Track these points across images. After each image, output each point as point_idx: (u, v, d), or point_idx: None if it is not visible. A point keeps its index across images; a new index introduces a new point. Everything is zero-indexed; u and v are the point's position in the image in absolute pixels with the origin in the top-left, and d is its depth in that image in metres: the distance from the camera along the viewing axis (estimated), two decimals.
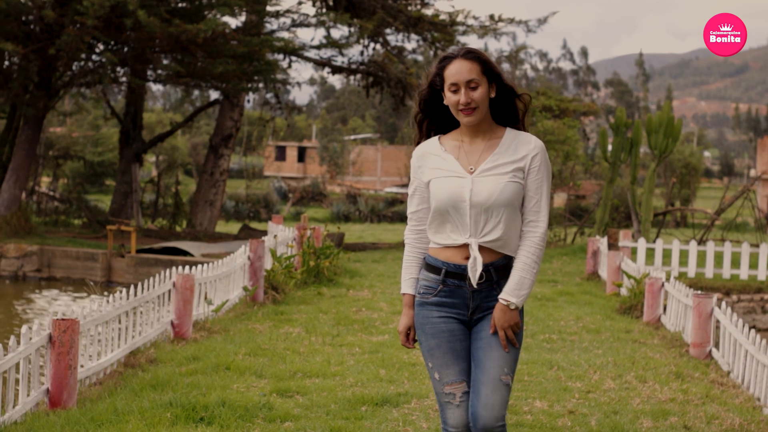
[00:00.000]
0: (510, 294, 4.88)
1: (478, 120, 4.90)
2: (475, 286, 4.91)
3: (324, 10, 29.35)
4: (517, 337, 4.96)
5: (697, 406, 8.31)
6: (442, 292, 4.96)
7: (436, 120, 5.10)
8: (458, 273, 4.92)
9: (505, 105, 5.02)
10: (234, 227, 38.41)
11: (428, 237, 5.05)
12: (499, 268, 4.94)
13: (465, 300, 4.95)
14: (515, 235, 4.94)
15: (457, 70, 4.87)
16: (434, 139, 5.06)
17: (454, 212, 4.89)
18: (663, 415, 7.92)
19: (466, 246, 4.91)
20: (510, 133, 4.99)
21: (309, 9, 35.57)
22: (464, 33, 30.41)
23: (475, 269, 4.88)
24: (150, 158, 61.75)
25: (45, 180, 42.45)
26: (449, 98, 4.91)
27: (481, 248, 4.92)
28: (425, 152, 5.03)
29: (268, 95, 32.40)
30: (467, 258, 4.90)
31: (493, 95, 4.94)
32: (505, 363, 4.93)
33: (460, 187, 4.88)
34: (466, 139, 4.99)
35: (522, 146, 4.93)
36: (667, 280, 13.18)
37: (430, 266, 4.99)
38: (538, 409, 8.02)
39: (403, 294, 5.08)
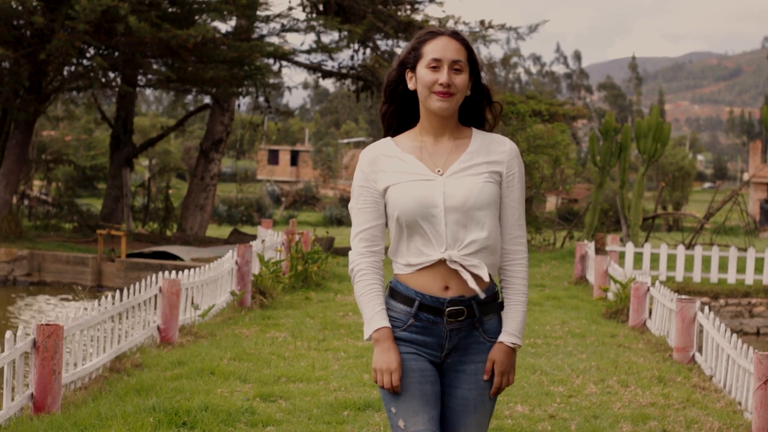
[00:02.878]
0: (516, 334, 4.16)
1: (452, 110, 4.12)
2: (481, 296, 4.11)
3: (314, 15, 29.43)
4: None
5: (678, 411, 8.37)
6: (412, 327, 4.10)
7: (402, 113, 4.28)
8: (435, 307, 4.07)
9: (474, 109, 4.27)
10: (226, 231, 38.46)
11: (386, 259, 4.20)
12: (483, 302, 4.14)
13: (440, 339, 4.11)
14: (498, 248, 4.17)
15: (444, 46, 4.10)
16: (386, 140, 4.22)
17: (425, 222, 4.04)
18: (643, 420, 7.99)
19: (442, 265, 4.07)
20: (479, 134, 4.23)
21: (299, 14, 35.92)
22: None
23: (473, 286, 4.07)
24: (143, 162, 61.81)
25: (38, 184, 42.49)
26: (424, 77, 4.09)
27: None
28: (377, 155, 4.17)
29: (260, 99, 32.49)
30: (446, 288, 4.07)
31: (469, 92, 4.20)
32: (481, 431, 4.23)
33: (430, 190, 4.06)
34: (427, 138, 4.17)
35: (496, 147, 4.19)
36: (653, 284, 13.26)
37: (399, 295, 4.11)
38: (519, 413, 8.08)
39: (378, 330, 4.07)
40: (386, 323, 4.07)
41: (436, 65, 4.08)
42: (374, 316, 4.08)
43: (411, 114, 4.26)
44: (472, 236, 4.07)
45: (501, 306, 4.22)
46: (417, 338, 4.11)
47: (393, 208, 4.10)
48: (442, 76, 4.07)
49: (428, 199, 4.06)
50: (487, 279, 4.12)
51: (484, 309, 4.14)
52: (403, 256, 4.13)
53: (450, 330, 4.11)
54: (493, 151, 4.19)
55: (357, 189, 4.18)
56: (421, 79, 4.11)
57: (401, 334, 4.10)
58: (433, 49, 4.11)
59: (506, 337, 4.16)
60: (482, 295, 4.11)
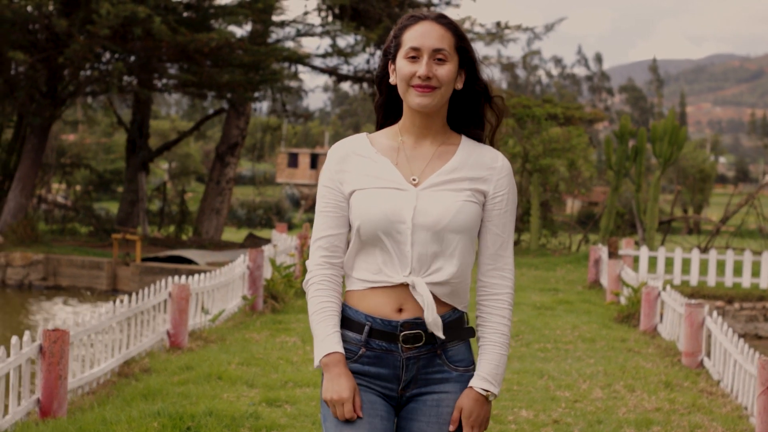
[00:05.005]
0: (489, 379, 3.50)
1: (434, 106, 3.51)
2: (439, 334, 3.47)
3: (330, 20, 29.51)
4: None
5: (682, 416, 8.38)
6: (364, 357, 3.50)
7: (389, 107, 3.72)
8: (387, 332, 3.47)
9: (468, 107, 3.67)
10: (244, 234, 38.60)
11: (345, 273, 3.62)
12: (447, 326, 3.50)
13: (395, 370, 3.49)
14: (468, 279, 3.56)
15: (424, 33, 3.50)
16: (361, 136, 3.66)
17: (388, 239, 3.46)
18: (646, 425, 7.99)
19: (402, 288, 3.47)
20: (468, 142, 3.62)
21: (315, 19, 35.90)
22: (471, 40, 30.46)
23: (434, 319, 3.44)
24: (162, 165, 62.02)
25: (60, 188, 42.68)
26: (402, 68, 3.51)
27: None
28: (348, 152, 3.59)
29: (276, 103, 32.59)
30: (400, 310, 3.47)
31: (459, 86, 3.58)
32: None
33: (399, 202, 3.47)
34: (407, 139, 3.60)
35: (485, 162, 3.58)
36: (665, 288, 13.25)
37: (348, 320, 3.53)
38: (523, 418, 8.10)
39: (328, 354, 3.45)
40: (338, 347, 3.45)
41: (415, 55, 3.49)
42: (325, 339, 3.46)
43: (399, 108, 3.71)
44: (439, 263, 3.47)
45: (471, 332, 3.59)
46: (369, 370, 3.49)
47: (355, 216, 3.51)
48: (421, 67, 3.47)
49: (395, 212, 3.46)
50: (450, 303, 3.53)
51: (447, 333, 3.49)
52: (359, 270, 3.53)
53: (406, 358, 3.49)
54: (480, 166, 3.57)
55: (321, 189, 3.61)
56: (399, 71, 3.53)
57: (352, 366, 3.48)
58: (411, 37, 3.51)
59: (477, 382, 3.49)
60: (439, 319, 3.46)
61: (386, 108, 3.71)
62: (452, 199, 3.48)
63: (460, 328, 3.54)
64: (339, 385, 3.41)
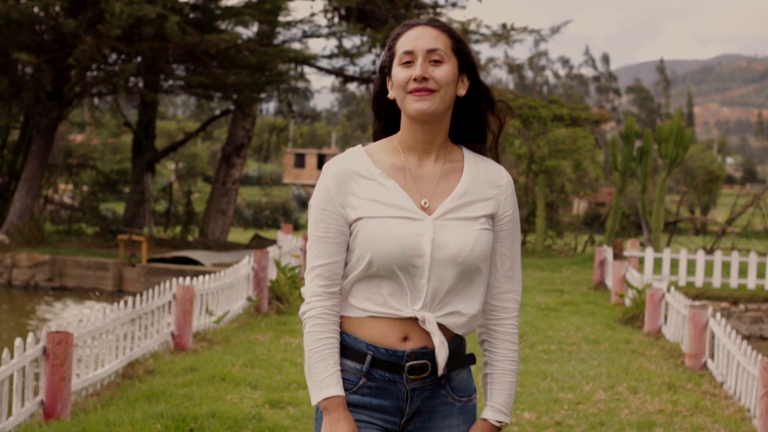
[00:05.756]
0: (503, 410, 3.33)
1: (434, 112, 3.22)
2: (440, 371, 3.23)
3: (336, 21, 29.55)
4: None
5: (685, 418, 8.38)
6: (364, 388, 3.24)
7: (391, 130, 3.44)
8: (392, 362, 3.22)
9: (469, 114, 3.40)
10: (250, 235, 38.65)
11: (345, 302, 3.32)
12: (451, 354, 3.27)
13: (399, 402, 3.25)
14: (480, 307, 3.32)
15: (417, 35, 3.25)
16: (359, 152, 3.33)
17: (403, 273, 3.18)
18: (649, 427, 8.00)
19: (410, 320, 3.22)
20: (471, 158, 3.37)
21: (321, 20, 35.96)
22: (477, 41, 30.56)
23: (444, 358, 3.22)
24: (169, 165, 62.08)
25: (67, 188, 42.76)
26: (397, 75, 3.24)
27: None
28: (348, 172, 3.27)
29: (282, 104, 32.64)
30: (405, 339, 3.21)
31: (463, 92, 3.31)
32: None
33: (415, 233, 3.19)
34: (410, 157, 3.31)
35: (491, 179, 3.35)
36: (669, 290, 13.26)
37: (347, 349, 3.25)
38: (525, 420, 8.11)
39: (327, 399, 3.19)
40: (339, 390, 3.18)
41: (409, 59, 3.23)
42: (325, 379, 3.18)
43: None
44: (453, 296, 3.23)
45: (472, 358, 3.38)
46: (370, 402, 3.24)
47: (365, 247, 3.19)
48: (417, 69, 3.20)
49: (413, 245, 3.17)
50: (455, 331, 3.29)
51: (452, 362, 3.27)
52: (359, 298, 3.25)
53: (411, 390, 3.24)
54: (488, 185, 3.33)
55: (318, 212, 3.27)
56: (394, 79, 3.26)
57: (351, 398, 3.22)
58: (404, 42, 3.27)
59: (491, 414, 3.32)
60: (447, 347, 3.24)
61: (387, 134, 3.43)
62: (469, 229, 3.23)
63: (462, 355, 3.32)
64: (338, 430, 3.16)
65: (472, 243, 3.20)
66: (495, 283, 3.33)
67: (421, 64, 3.19)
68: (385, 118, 3.42)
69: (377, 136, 3.43)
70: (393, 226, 3.17)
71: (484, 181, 3.31)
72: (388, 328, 3.19)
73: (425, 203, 3.23)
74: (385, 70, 3.34)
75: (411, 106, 3.20)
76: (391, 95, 3.32)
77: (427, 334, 3.20)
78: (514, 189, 3.39)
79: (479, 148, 3.42)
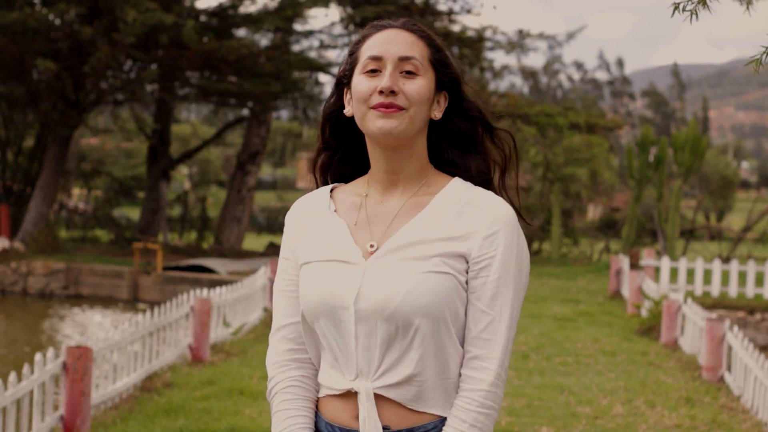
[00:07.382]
0: None
1: (403, 134, 2.57)
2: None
3: (352, 28, 29.59)
4: None
5: None
6: None
7: (352, 159, 2.81)
8: None
9: (460, 142, 2.73)
10: (265, 240, 38.66)
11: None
12: None
13: None
14: (452, 374, 2.56)
15: (387, 39, 2.61)
16: (325, 191, 2.76)
17: (331, 329, 2.58)
18: None
19: (354, 395, 2.57)
20: (456, 186, 2.65)
21: (338, 28, 35.94)
22: (492, 48, 30.56)
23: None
24: (183, 170, 62.17)
25: (81, 193, 42.82)
26: (358, 86, 2.60)
27: (383, 401, 2.54)
28: (306, 211, 2.75)
29: (297, 110, 32.70)
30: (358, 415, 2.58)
31: (438, 115, 2.66)
32: None
33: (342, 280, 2.56)
34: (374, 191, 2.69)
35: (474, 212, 2.59)
36: (686, 301, 13.24)
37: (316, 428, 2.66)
38: None
39: None
40: None
41: (375, 67, 2.59)
42: None
43: (359, 166, 2.80)
44: (392, 359, 2.52)
45: None
46: None
47: (300, 299, 2.65)
48: (385, 79, 2.55)
49: (334, 294, 2.55)
50: (424, 410, 2.56)
51: None
52: (319, 367, 2.70)
53: None
54: (464, 219, 2.58)
55: (281, 262, 2.77)
56: (354, 90, 2.62)
57: None
58: (371, 46, 2.62)
59: None
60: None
61: (338, 166, 2.81)
62: (410, 272, 2.50)
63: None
64: None
65: (410, 288, 2.48)
66: (466, 347, 2.55)
67: (390, 74, 2.56)
68: (342, 146, 2.78)
69: (321, 172, 2.82)
70: (321, 271, 2.60)
71: (459, 215, 2.58)
72: (341, 405, 2.60)
73: (372, 246, 2.59)
74: (344, 81, 2.70)
75: (373, 123, 2.56)
76: (348, 111, 2.67)
77: (391, 414, 2.55)
78: (514, 227, 2.59)
79: (477, 179, 2.71)
